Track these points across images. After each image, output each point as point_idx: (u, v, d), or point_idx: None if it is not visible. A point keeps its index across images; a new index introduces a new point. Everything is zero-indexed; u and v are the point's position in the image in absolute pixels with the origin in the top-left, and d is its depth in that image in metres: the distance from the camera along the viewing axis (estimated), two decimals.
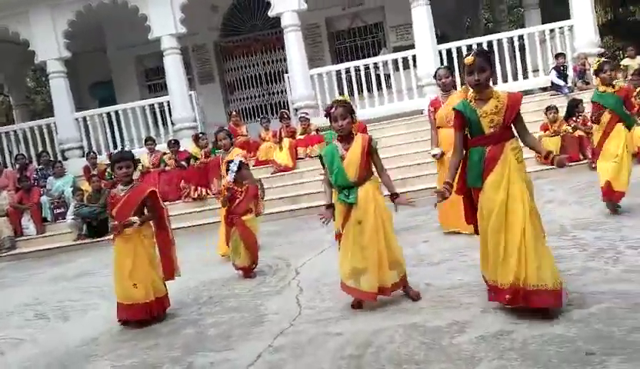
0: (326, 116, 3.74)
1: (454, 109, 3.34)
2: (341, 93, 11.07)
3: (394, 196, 3.69)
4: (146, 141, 11.01)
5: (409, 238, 5.61)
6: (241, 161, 5.06)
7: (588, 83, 10.43)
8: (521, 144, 3.26)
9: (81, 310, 5.12)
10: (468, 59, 3.14)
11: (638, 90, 8.63)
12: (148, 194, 4.24)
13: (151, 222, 4.32)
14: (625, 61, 11.86)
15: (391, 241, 3.70)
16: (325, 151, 3.79)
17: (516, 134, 3.27)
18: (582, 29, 10.74)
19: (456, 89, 5.78)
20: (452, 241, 5.14)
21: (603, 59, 5.62)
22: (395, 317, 3.46)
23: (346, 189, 3.62)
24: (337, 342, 3.20)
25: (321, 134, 8.57)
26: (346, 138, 3.70)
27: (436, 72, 5.61)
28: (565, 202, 6.26)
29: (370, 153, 3.66)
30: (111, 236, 4.38)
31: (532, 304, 3.01)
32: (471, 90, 3.32)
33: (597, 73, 5.42)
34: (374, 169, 3.77)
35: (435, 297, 3.68)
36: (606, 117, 5.25)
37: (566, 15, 11.28)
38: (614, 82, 5.40)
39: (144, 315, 4.17)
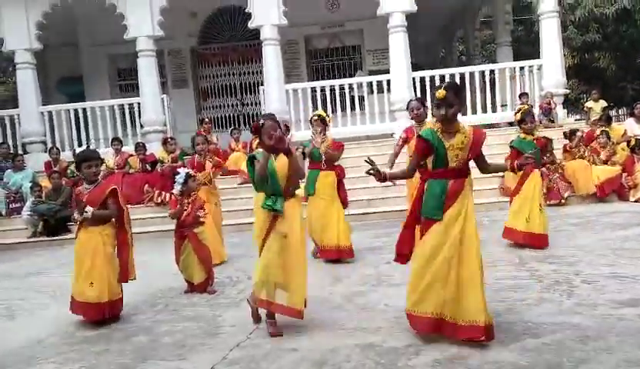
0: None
1: (419, 136, 3.31)
2: (316, 109, 11.11)
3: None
4: (113, 141, 10.76)
5: (371, 259, 5.63)
6: (187, 173, 5.02)
7: (552, 121, 10.81)
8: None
9: (29, 309, 4.93)
10: (440, 92, 3.11)
11: (600, 131, 9.00)
12: (109, 192, 4.16)
13: (113, 221, 4.25)
14: (589, 104, 12.40)
15: (305, 262, 3.73)
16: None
17: (477, 167, 3.38)
18: (550, 69, 11.16)
19: (427, 119, 5.86)
20: None
21: (526, 108, 5.84)
22: (352, 335, 3.45)
23: (274, 196, 3.57)
24: (292, 358, 3.17)
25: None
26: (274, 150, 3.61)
27: (408, 104, 5.68)
28: None
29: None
30: (69, 235, 4.27)
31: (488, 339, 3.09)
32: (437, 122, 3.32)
33: (519, 123, 5.61)
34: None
35: (393, 319, 3.68)
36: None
37: (536, 55, 11.73)
38: (534, 131, 5.63)
39: (95, 316, 4.08)
